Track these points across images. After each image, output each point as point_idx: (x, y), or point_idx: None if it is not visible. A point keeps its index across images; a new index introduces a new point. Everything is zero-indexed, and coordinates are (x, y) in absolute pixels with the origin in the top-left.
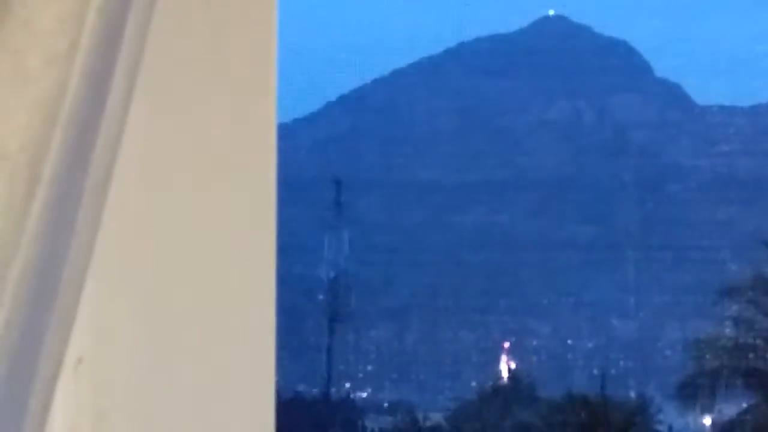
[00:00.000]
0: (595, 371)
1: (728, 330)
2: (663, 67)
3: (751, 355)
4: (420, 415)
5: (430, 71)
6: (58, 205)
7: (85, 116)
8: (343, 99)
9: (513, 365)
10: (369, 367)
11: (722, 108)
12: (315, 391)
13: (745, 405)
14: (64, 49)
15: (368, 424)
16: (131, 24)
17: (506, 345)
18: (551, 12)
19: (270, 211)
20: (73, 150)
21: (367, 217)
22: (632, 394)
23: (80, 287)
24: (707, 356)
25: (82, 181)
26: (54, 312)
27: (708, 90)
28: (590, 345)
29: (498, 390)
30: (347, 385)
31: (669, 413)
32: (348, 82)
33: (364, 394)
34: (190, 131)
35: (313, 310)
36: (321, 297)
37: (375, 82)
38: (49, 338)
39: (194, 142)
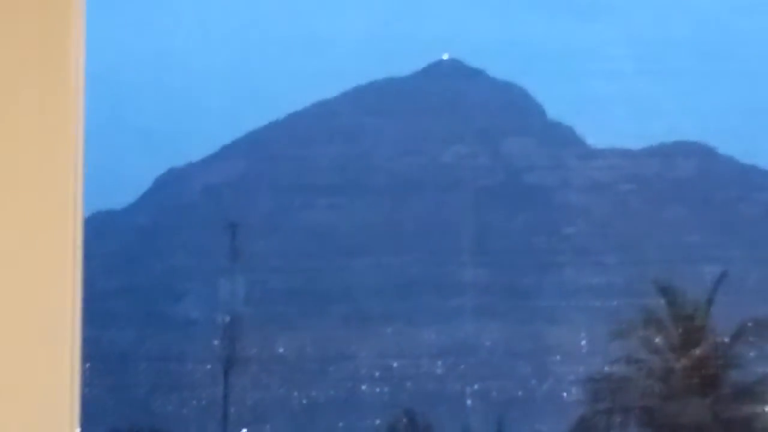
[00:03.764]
0: (494, 413)
1: (621, 369)
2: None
3: (643, 393)
4: None
5: (325, 115)
6: None
7: None
8: (237, 142)
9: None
10: (264, 412)
11: (613, 150)
12: None
13: None
14: None
15: None
16: None
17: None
18: (445, 56)
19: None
20: None
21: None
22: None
23: None
24: (601, 395)
25: None
26: None
27: (600, 132)
28: (487, 387)
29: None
30: (244, 430)
31: None
32: (243, 126)
33: None
34: None
35: (209, 356)
36: (216, 342)
37: (269, 125)
38: None
39: None
